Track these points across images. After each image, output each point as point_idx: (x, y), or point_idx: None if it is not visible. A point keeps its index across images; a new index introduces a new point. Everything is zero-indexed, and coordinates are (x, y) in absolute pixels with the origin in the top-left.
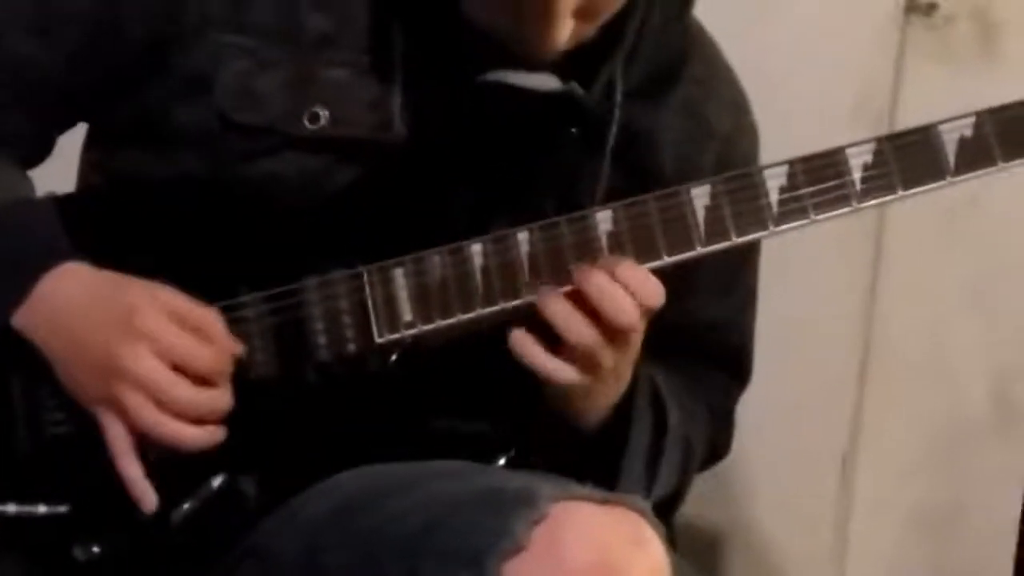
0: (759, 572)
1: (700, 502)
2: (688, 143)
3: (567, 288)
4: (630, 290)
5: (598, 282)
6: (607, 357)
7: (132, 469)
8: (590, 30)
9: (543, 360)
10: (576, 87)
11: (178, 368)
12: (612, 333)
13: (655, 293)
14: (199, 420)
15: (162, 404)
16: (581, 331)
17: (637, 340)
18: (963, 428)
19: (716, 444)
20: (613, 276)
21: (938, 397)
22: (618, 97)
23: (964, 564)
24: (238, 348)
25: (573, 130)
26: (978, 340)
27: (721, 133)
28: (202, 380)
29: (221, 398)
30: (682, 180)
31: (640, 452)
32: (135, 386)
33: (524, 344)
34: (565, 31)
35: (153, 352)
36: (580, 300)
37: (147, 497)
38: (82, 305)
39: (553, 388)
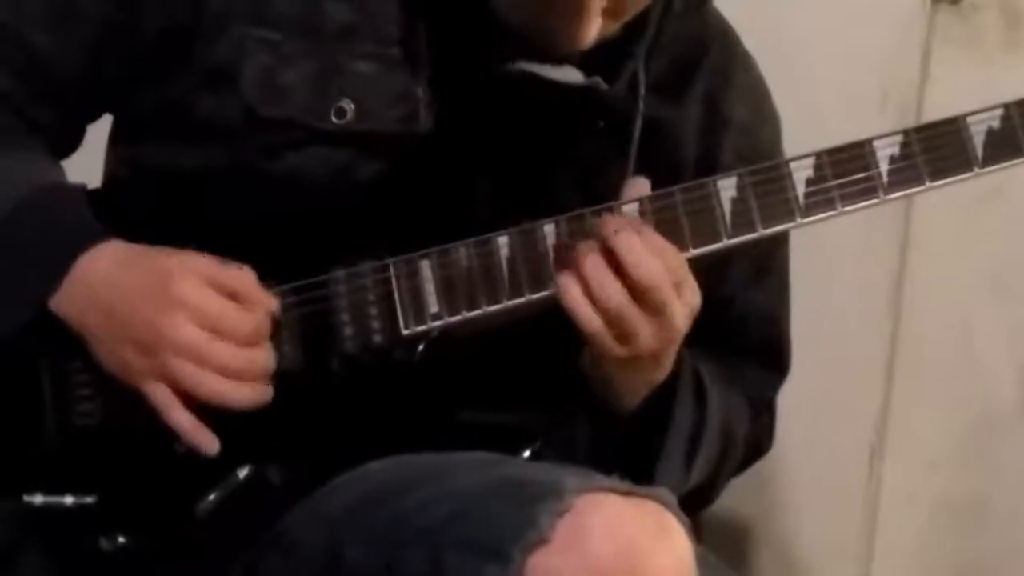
0: (787, 563)
1: (728, 493)
2: (707, 134)
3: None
4: (657, 252)
5: (625, 238)
6: (643, 330)
7: (184, 418)
8: (615, 27)
9: (579, 300)
10: (600, 81)
11: (217, 332)
12: (642, 296)
13: (679, 260)
14: (243, 379)
15: (205, 365)
16: (611, 291)
17: (676, 320)
18: (990, 419)
19: (758, 438)
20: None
21: (965, 388)
22: (642, 90)
23: (992, 554)
24: (274, 303)
25: (601, 123)
26: (1005, 331)
27: (738, 123)
28: (242, 343)
29: (263, 356)
30: (703, 172)
31: (681, 439)
32: (177, 352)
33: (569, 288)
34: (594, 29)
35: (191, 319)
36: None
37: (206, 440)
38: (118, 280)
39: (592, 359)
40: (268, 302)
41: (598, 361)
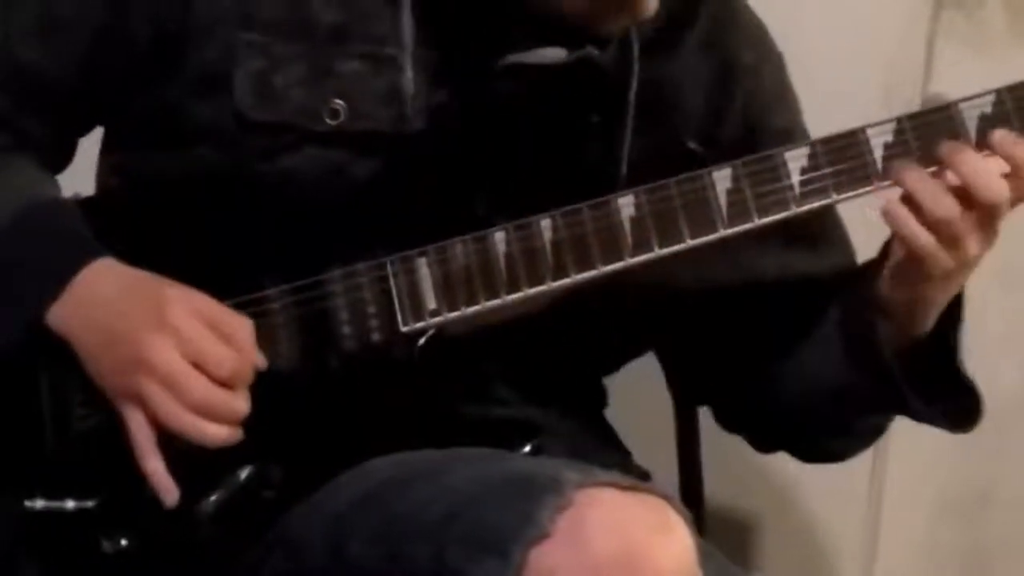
0: (791, 555)
1: (732, 486)
2: (714, 83)
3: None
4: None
5: (969, 159)
6: (973, 242)
7: (153, 462)
8: None
9: (911, 223)
10: (591, 50)
11: (198, 367)
12: (980, 212)
13: None
14: (214, 419)
15: (178, 397)
16: (946, 203)
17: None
18: (996, 410)
19: None
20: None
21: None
22: (635, 51)
23: (996, 546)
24: (261, 361)
25: (596, 118)
26: (1012, 323)
27: (746, 66)
28: (221, 383)
29: (237, 401)
30: (713, 122)
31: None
32: (154, 377)
33: (895, 209)
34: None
35: (175, 347)
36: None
37: (168, 491)
38: (116, 300)
39: (912, 283)
40: (257, 357)
41: (923, 281)
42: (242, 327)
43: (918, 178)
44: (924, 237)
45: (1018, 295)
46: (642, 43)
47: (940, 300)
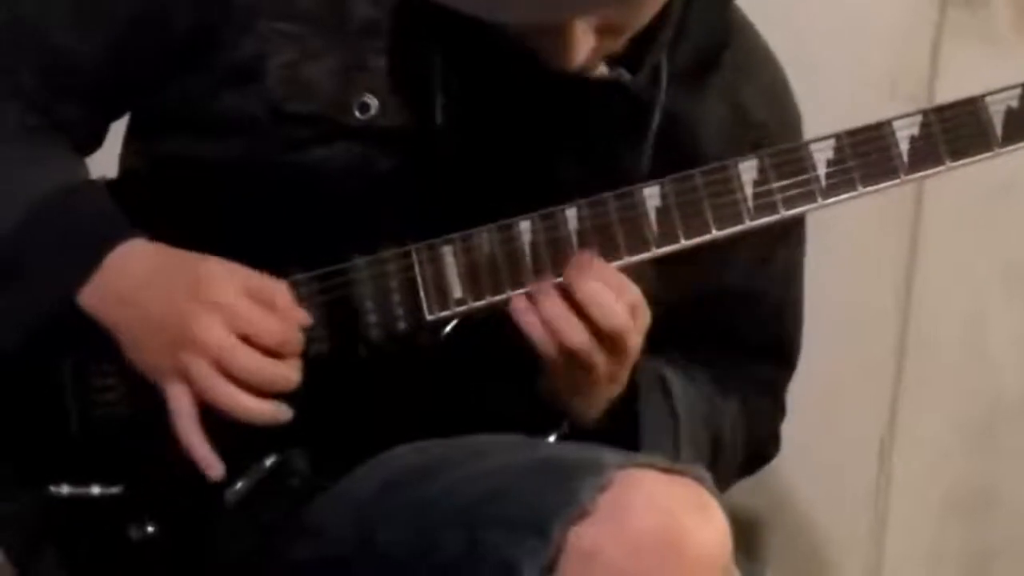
0: (797, 554)
1: (738, 485)
2: (728, 131)
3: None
4: (615, 291)
5: (590, 288)
6: (600, 360)
7: (195, 437)
8: (619, 44)
9: (537, 326)
10: (623, 72)
11: (247, 340)
12: (603, 336)
13: (635, 288)
14: (264, 392)
15: (228, 372)
16: (575, 333)
17: (631, 345)
18: (1000, 411)
19: (759, 439)
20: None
21: (975, 380)
22: (663, 81)
23: (1002, 546)
24: (306, 319)
25: (615, 136)
26: (1016, 325)
27: (758, 120)
28: (270, 353)
29: (288, 371)
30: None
31: (659, 442)
32: (202, 353)
33: (521, 309)
34: (582, 52)
35: (222, 322)
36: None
37: (212, 465)
38: (151, 278)
39: (545, 378)
40: (301, 316)
41: (553, 385)
42: (282, 292)
43: (552, 304)
44: (551, 350)
45: (1020, 296)
46: (669, 73)
47: (583, 404)
